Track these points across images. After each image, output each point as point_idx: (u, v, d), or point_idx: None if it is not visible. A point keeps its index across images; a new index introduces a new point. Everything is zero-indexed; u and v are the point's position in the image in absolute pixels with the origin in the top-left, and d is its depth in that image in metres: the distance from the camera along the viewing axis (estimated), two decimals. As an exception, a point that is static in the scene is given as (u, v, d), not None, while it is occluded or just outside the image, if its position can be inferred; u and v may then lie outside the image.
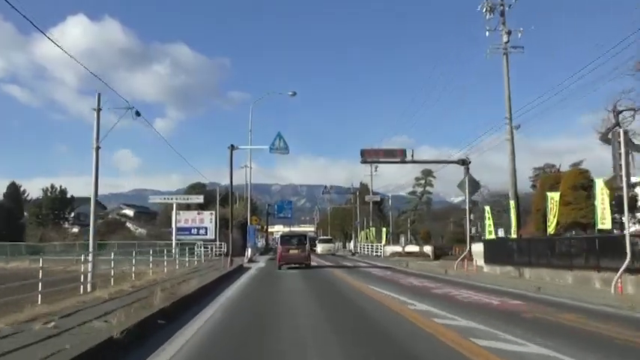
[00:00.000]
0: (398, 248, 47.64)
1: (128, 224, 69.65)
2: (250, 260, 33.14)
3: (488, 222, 25.34)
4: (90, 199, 20.99)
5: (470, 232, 30.20)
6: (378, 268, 25.76)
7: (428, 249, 44.05)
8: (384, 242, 51.10)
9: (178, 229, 45.77)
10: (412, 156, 29.51)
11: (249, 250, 34.99)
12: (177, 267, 27.51)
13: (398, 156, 29.49)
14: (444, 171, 57.58)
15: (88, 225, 70.85)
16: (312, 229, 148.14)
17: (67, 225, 72.86)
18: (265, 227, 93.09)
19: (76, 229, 71.30)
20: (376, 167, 64.69)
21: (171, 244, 39.04)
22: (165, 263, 25.33)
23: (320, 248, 52.13)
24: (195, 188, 66.65)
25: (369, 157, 29.36)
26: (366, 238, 67.33)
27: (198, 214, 46.52)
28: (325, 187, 53.81)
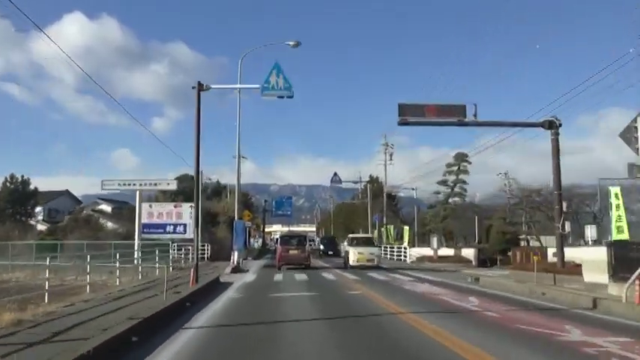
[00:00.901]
0: (427, 251, 37.87)
1: (102, 221, 59.71)
2: (236, 269, 23.29)
3: (617, 213, 15.57)
4: (65, 192, 13.61)
5: (562, 229, 20.33)
6: (441, 288, 15.93)
7: (469, 253, 34.21)
8: (406, 244, 41.37)
9: (147, 226, 36.04)
10: (475, 115, 19.73)
11: (236, 254, 25.18)
12: (117, 282, 17.88)
13: (454, 114, 19.72)
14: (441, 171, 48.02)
15: (60, 222, 59.63)
16: (313, 228, 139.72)
17: (32, 221, 62.75)
18: (262, 226, 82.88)
19: (42, 227, 61.22)
20: (391, 155, 54.98)
21: (142, 243, 29.63)
22: (87, 276, 15.71)
23: (354, 255, 26.77)
24: (183, 181, 56.97)
25: (412, 114, 19.56)
26: (379, 238, 58.22)
27: (175, 206, 36.83)
28: (335, 173, 43.61)
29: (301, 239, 26.12)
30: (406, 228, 42.14)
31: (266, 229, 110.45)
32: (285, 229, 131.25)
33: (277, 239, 34.36)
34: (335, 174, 40.89)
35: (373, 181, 64.50)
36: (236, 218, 27.27)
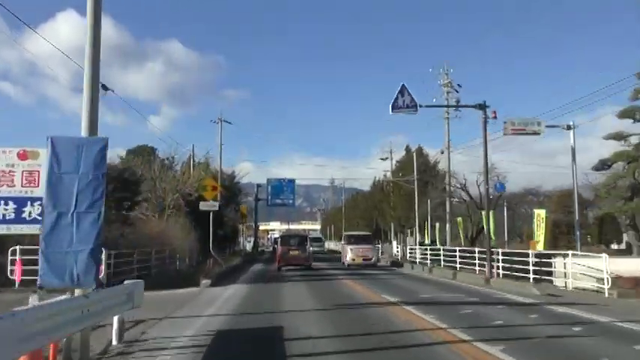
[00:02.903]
0: (612, 264, 16.78)
1: None
2: None
3: None
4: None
5: None
6: None
7: None
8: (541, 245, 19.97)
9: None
10: None
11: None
12: None
13: None
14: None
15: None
16: (316, 227, 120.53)
17: None
18: (254, 221, 60.58)
19: None
20: (457, 101, 33.27)
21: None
22: None
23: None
24: (141, 154, 35.60)
25: None
26: (427, 236, 37.68)
27: (21, 155, 14.97)
28: (403, 88, 21.95)
29: (302, 239, 26.90)
30: (540, 213, 20.43)
31: (261, 227, 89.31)
32: (285, 227, 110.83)
33: (276, 239, 35.38)
34: (403, 89, 18.77)
35: (409, 159, 43.00)
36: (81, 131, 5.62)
